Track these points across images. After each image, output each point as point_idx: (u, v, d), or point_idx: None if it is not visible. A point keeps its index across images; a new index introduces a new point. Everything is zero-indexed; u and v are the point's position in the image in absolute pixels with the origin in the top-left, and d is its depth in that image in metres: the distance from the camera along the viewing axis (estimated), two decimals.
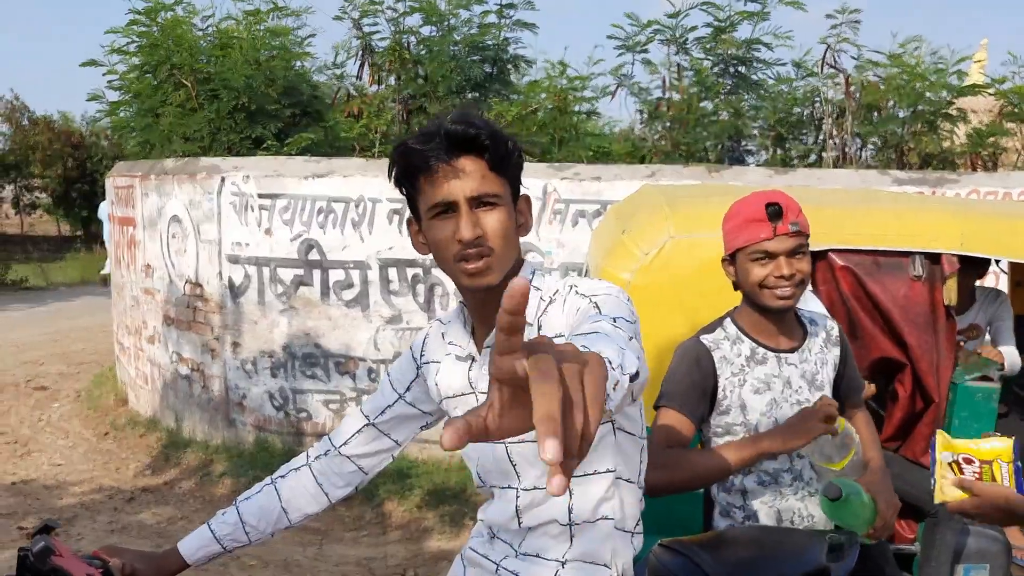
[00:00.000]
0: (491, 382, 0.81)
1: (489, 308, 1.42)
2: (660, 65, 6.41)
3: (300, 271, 5.54)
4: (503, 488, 1.44)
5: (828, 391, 1.98)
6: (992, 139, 6.27)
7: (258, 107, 6.58)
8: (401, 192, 1.45)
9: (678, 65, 6.50)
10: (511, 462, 1.40)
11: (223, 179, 5.66)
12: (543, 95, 6.29)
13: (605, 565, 1.39)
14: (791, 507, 1.95)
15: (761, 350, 1.95)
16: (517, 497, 1.41)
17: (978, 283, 3.56)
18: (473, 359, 1.47)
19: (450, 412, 1.54)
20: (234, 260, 5.69)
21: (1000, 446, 1.70)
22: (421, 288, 5.47)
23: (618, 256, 2.91)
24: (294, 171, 5.56)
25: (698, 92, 6.22)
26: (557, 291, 1.38)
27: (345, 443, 1.62)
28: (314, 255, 5.51)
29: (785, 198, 1.88)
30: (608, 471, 1.38)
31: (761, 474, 1.91)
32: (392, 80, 7.41)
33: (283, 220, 5.53)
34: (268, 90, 6.63)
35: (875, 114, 6.20)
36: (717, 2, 6.33)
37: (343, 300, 5.53)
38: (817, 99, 6.69)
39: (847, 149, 6.29)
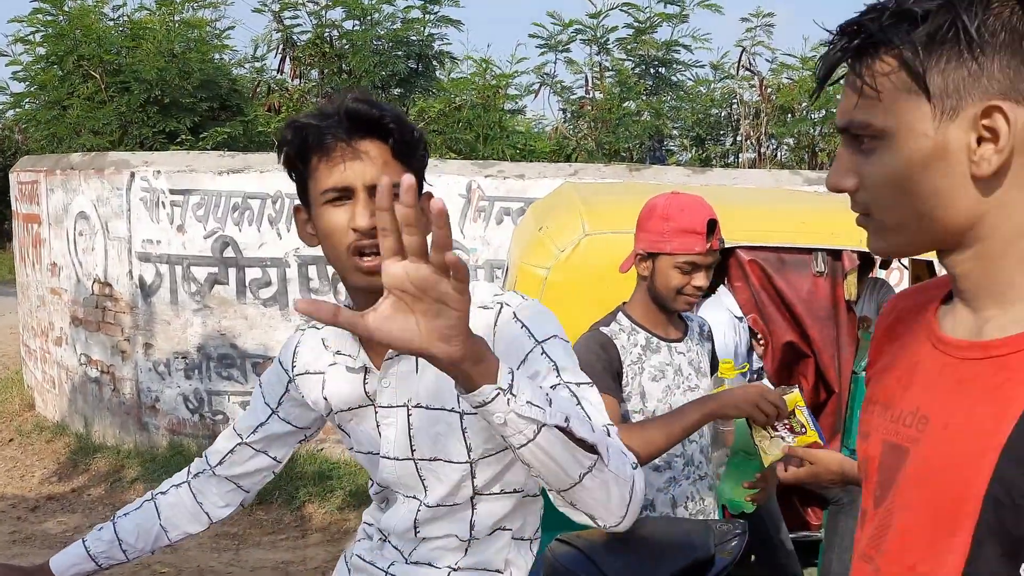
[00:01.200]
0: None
1: None
2: (583, 65, 6.47)
3: (215, 269, 5.39)
4: (406, 497, 1.39)
5: (708, 380, 2.11)
6: None
7: (172, 100, 6.38)
8: (291, 175, 1.32)
9: (599, 65, 6.57)
10: (420, 477, 1.35)
11: (133, 174, 5.46)
12: (468, 92, 6.27)
13: (498, 571, 1.37)
14: (684, 492, 2.01)
15: (655, 340, 2.03)
16: (418, 510, 1.36)
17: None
18: (367, 370, 1.36)
19: (344, 426, 1.45)
20: (145, 258, 5.50)
21: (793, 394, 1.89)
22: (343, 286, 5.39)
23: (535, 253, 2.93)
24: (208, 166, 5.40)
25: (620, 92, 6.29)
26: (485, 305, 1.29)
27: (220, 463, 1.52)
28: (229, 253, 5.37)
29: (714, 213, 1.96)
30: (515, 491, 1.35)
31: (656, 461, 1.95)
32: (314, 74, 7.29)
33: (196, 217, 5.37)
34: (183, 83, 6.44)
35: (789, 116, 6.38)
36: (637, 3, 6.42)
37: (260, 299, 5.40)
38: (734, 101, 6.85)
39: (762, 149, 6.46)
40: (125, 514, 1.54)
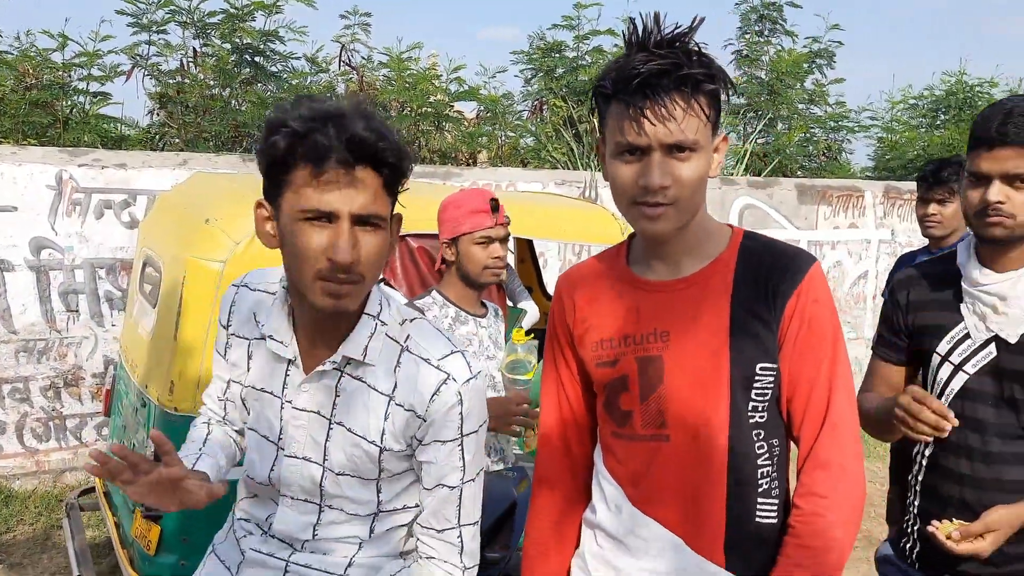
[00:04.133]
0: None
1: (321, 324, 1.31)
2: (177, 49, 6.09)
3: None
4: (301, 501, 1.37)
5: (503, 352, 2.41)
6: (483, 138, 7.33)
7: None
8: (263, 171, 1.22)
9: (194, 49, 6.25)
10: (320, 487, 1.35)
11: None
12: (44, 69, 5.51)
13: (401, 554, 1.43)
14: (488, 443, 2.28)
15: (463, 314, 2.32)
16: (320, 513, 1.36)
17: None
18: (291, 363, 1.34)
19: (248, 401, 1.40)
20: None
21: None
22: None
23: (207, 246, 2.82)
24: None
25: (222, 80, 6.07)
26: (395, 339, 1.32)
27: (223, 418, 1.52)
28: None
29: (494, 195, 2.32)
30: (416, 505, 1.41)
31: None
32: None
33: None
34: None
35: (389, 112, 6.75)
36: None
37: None
38: (330, 95, 7.02)
39: None
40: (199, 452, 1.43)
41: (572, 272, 1.52)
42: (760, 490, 1.35)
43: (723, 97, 1.29)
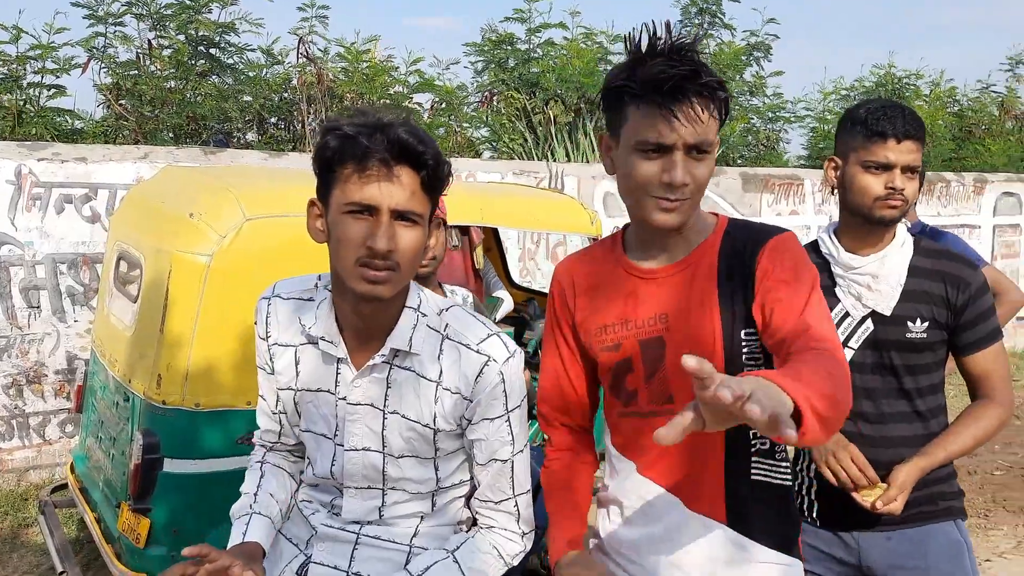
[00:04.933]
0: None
1: (366, 317, 1.39)
2: (132, 41, 6.00)
3: None
4: (364, 489, 1.45)
5: None
6: (440, 129, 7.38)
7: None
8: (316, 173, 1.33)
9: (149, 42, 6.17)
10: (383, 473, 1.43)
11: None
12: None
13: (459, 523, 1.53)
14: None
15: None
16: (384, 496, 1.45)
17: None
18: (341, 361, 1.42)
19: (300, 404, 1.46)
20: None
21: None
22: None
23: (191, 240, 2.85)
24: None
25: (178, 72, 6.01)
26: (436, 329, 1.41)
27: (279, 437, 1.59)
28: None
29: None
30: (469, 480, 1.52)
31: None
32: None
33: None
34: None
35: (348, 104, 6.75)
36: None
37: None
38: (286, 88, 6.99)
39: None
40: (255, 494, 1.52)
41: (571, 261, 1.63)
42: (754, 448, 1.47)
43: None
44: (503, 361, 1.42)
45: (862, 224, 1.91)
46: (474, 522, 1.53)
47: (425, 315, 1.42)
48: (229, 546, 1.44)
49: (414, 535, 1.46)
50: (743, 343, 1.42)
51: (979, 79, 11.05)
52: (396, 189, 1.29)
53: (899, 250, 1.92)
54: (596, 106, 8.29)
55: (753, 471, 1.47)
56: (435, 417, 1.40)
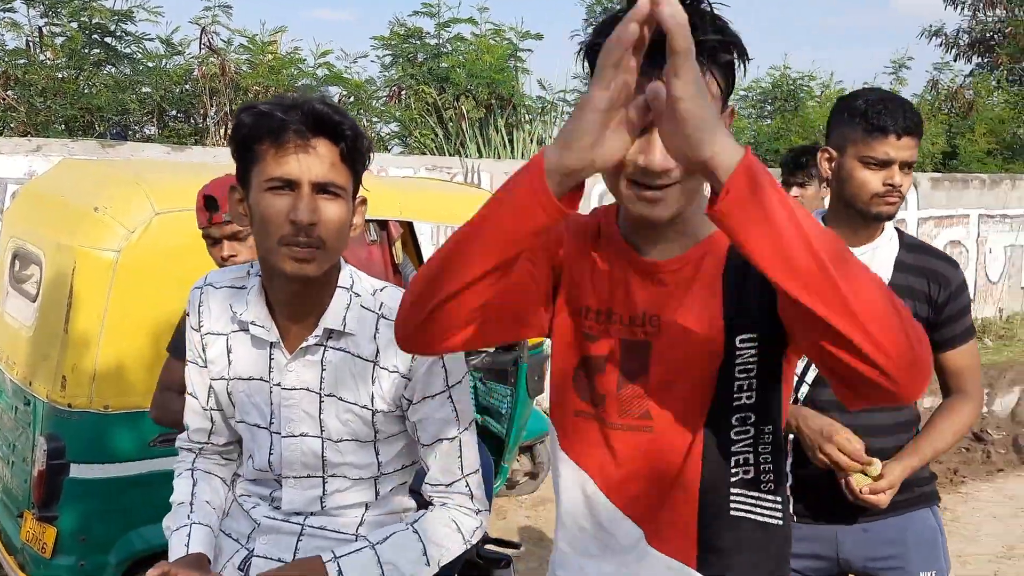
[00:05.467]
0: None
1: (297, 300, 1.35)
2: (22, 28, 5.69)
3: None
4: (304, 478, 1.42)
5: None
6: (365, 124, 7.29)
7: None
8: (234, 155, 1.29)
9: (39, 29, 5.87)
10: (323, 458, 1.40)
11: None
12: None
13: (405, 510, 1.52)
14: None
15: None
16: (325, 484, 1.42)
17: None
18: (274, 346, 1.38)
19: (233, 394, 1.42)
20: None
21: None
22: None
23: (97, 235, 2.74)
24: None
25: (72, 61, 5.73)
26: (370, 309, 1.38)
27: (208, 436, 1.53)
28: None
29: (212, 190, 2.19)
30: (413, 464, 1.50)
31: None
32: None
33: None
34: None
35: (252, 97, 6.59)
36: None
37: None
38: (188, 79, 6.77)
39: (228, 127, 6.56)
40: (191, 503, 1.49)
41: (573, 216, 1.21)
42: (735, 478, 1.22)
43: (739, 68, 1.12)
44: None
45: (856, 218, 1.87)
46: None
47: (359, 295, 1.40)
48: (171, 559, 1.40)
49: (359, 524, 1.44)
50: (738, 352, 1.18)
51: (865, 81, 11.65)
52: (315, 161, 1.26)
53: (888, 244, 1.89)
54: (506, 102, 8.33)
55: (732, 505, 1.22)
56: (373, 397, 1.38)
